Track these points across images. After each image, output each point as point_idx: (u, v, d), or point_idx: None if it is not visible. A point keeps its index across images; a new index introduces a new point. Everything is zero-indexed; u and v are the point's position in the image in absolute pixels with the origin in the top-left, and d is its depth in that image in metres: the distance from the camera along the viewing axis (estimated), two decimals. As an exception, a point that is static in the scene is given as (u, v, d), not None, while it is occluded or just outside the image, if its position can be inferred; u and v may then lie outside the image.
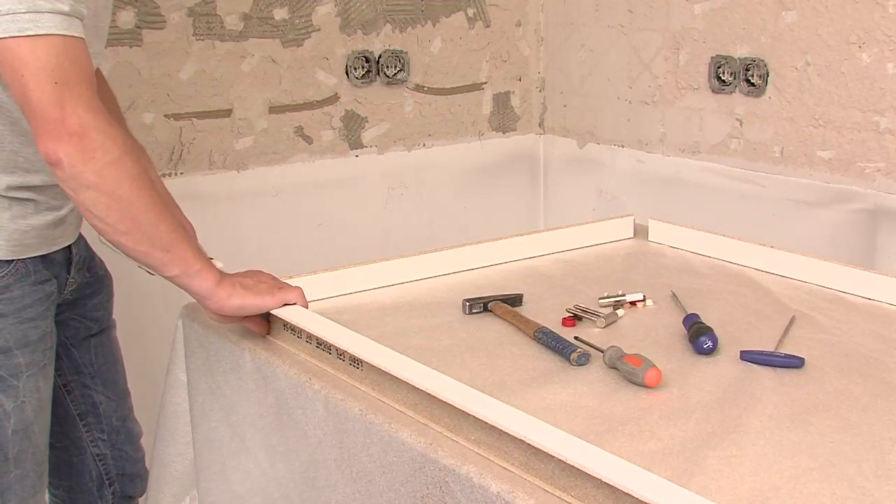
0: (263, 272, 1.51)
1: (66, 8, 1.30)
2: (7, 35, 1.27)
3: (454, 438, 1.14)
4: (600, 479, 0.98)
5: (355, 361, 1.30)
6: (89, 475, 1.74)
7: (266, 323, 1.48)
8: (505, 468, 1.08)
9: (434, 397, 1.17)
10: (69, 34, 1.30)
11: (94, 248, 1.74)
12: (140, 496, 1.81)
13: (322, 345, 1.37)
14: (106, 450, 1.74)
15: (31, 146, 1.47)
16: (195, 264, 1.39)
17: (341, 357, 1.33)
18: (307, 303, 1.48)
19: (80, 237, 1.64)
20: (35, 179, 1.48)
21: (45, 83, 1.28)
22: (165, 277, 1.41)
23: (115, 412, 1.75)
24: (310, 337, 1.39)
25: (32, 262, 1.50)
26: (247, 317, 1.45)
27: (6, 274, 1.46)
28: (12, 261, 1.47)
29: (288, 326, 1.43)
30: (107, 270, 1.74)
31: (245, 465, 1.46)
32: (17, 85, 1.30)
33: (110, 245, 1.39)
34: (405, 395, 1.22)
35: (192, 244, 1.42)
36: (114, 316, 1.78)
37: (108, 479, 1.75)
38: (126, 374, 1.80)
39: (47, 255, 1.53)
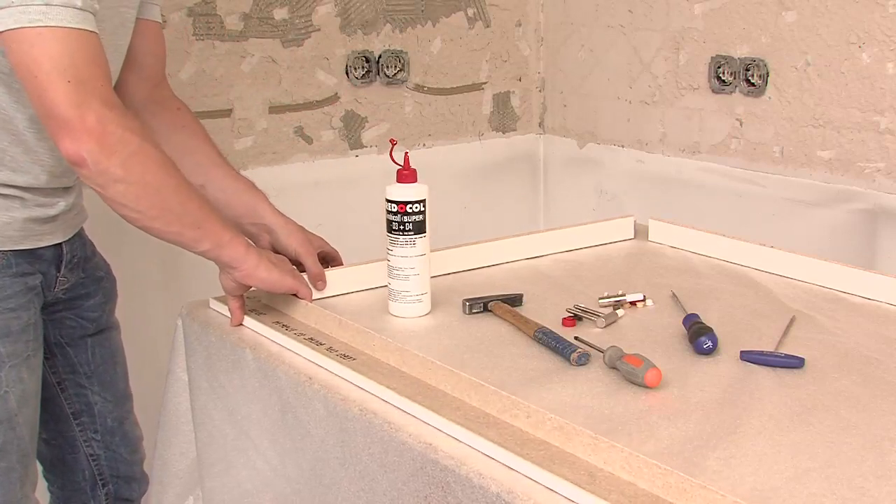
0: (282, 256, 1.57)
1: (78, 2, 1.28)
2: (18, 25, 1.26)
3: (453, 437, 1.14)
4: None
5: (347, 356, 1.31)
6: (82, 474, 1.74)
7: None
8: (505, 468, 1.08)
9: (433, 392, 1.17)
10: (82, 28, 1.29)
11: (100, 250, 1.74)
12: (137, 499, 1.81)
13: (321, 343, 1.37)
14: (99, 450, 1.74)
15: (21, 147, 1.47)
16: (225, 235, 1.42)
17: (335, 351, 1.34)
18: (311, 297, 1.54)
19: (77, 237, 1.63)
20: (20, 180, 1.48)
21: (59, 83, 1.27)
22: (196, 253, 1.43)
23: (110, 413, 1.74)
24: (306, 335, 1.40)
25: (14, 255, 1.49)
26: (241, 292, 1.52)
27: None
28: None
29: (283, 325, 1.44)
30: (108, 273, 1.74)
31: (253, 462, 1.46)
32: (31, 86, 1.29)
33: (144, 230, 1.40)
34: (405, 387, 1.22)
35: (219, 216, 1.45)
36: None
37: (101, 480, 1.75)
38: (128, 378, 1.79)
39: (34, 250, 1.52)
